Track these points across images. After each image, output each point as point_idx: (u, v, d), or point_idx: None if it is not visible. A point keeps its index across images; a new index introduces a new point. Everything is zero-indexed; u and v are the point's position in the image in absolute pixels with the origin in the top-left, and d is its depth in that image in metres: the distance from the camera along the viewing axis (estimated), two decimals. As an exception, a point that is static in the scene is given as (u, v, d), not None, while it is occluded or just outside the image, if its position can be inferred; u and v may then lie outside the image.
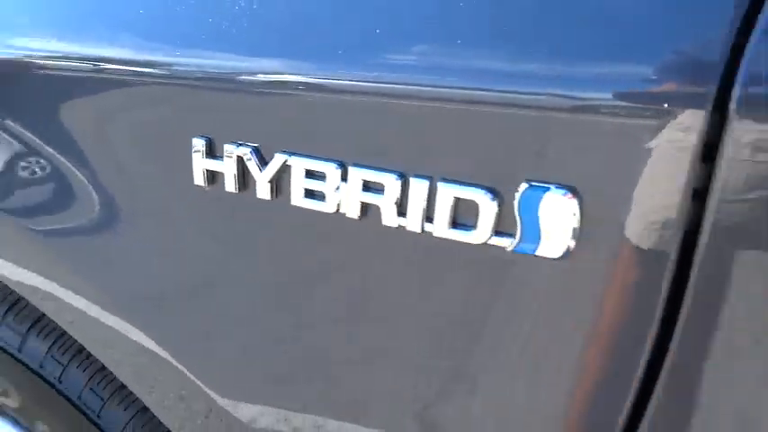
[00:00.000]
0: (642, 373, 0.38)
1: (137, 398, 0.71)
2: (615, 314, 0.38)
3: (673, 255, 0.35)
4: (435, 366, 0.46)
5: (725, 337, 0.35)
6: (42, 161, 0.59)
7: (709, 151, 0.32)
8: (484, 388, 0.44)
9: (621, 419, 0.40)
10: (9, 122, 0.59)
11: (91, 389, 0.75)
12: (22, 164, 0.61)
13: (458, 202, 0.39)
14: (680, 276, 0.35)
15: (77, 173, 0.56)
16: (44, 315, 0.77)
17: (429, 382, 0.47)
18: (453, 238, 0.40)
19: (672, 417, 0.38)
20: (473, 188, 0.38)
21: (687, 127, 0.32)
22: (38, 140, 0.58)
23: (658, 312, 0.36)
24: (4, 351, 0.78)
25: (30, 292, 0.69)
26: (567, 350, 0.40)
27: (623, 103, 0.33)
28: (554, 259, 0.37)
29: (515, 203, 0.37)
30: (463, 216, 0.39)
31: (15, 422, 0.81)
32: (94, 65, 0.51)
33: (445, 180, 0.39)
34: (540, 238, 0.37)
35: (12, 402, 0.80)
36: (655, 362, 0.38)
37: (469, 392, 0.45)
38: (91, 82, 0.52)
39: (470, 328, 0.43)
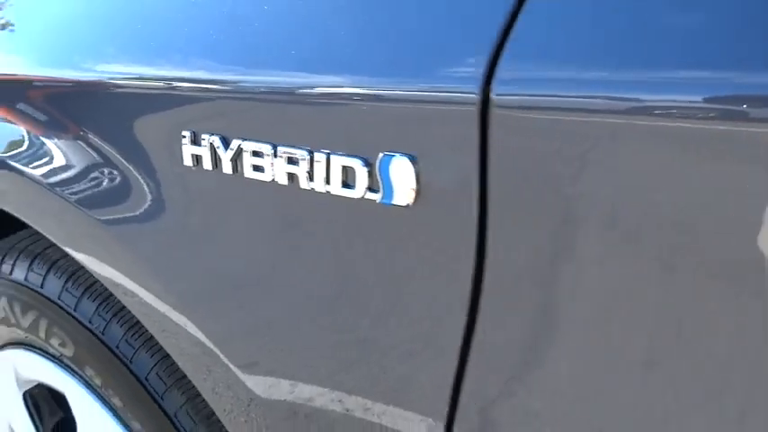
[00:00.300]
0: (464, 316, 0.53)
1: (161, 347, 0.89)
2: (440, 258, 0.53)
3: (473, 217, 0.50)
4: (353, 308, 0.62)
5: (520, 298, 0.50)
6: (114, 167, 0.79)
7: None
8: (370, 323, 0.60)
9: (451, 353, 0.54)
10: (89, 134, 0.80)
11: (126, 340, 0.94)
12: (98, 170, 0.81)
13: (344, 168, 0.55)
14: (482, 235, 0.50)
15: (140, 175, 0.75)
16: (94, 282, 0.97)
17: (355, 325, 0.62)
18: (344, 195, 0.56)
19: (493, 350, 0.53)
20: (352, 158, 0.55)
21: (465, 112, 0.47)
22: (111, 149, 0.78)
23: (470, 260, 0.51)
24: (64, 310, 0.99)
25: (112, 286, 0.85)
26: (411, 286, 0.55)
27: (423, 93, 0.49)
28: (403, 207, 0.53)
29: (377, 167, 0.53)
30: (349, 178, 0.56)
31: (69, 368, 1.02)
32: (166, 83, 0.69)
33: (335, 153, 0.56)
34: (393, 193, 0.53)
35: (68, 352, 1.00)
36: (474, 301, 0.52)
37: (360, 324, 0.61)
38: (160, 98, 0.70)
39: (359, 268, 0.59)
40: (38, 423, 1.24)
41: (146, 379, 0.92)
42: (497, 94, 0.46)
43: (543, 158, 0.46)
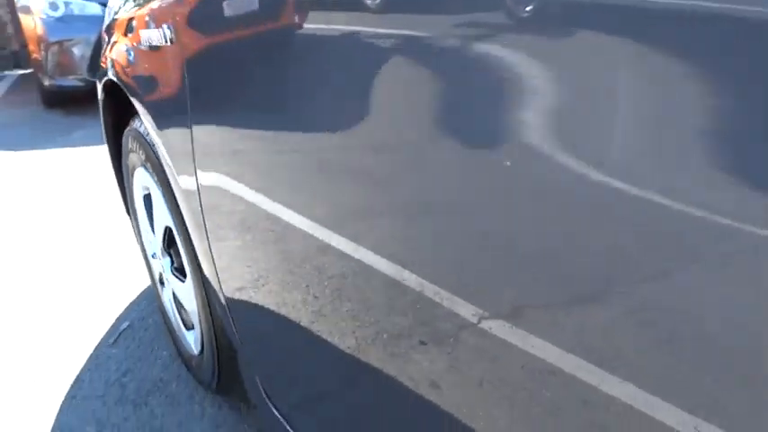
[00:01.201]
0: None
1: (170, 151, 1.94)
2: (180, 75, 1.46)
3: (182, 55, 1.42)
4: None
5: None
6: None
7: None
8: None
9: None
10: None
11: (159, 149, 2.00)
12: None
13: (162, 33, 1.52)
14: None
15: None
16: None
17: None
18: (161, 45, 1.53)
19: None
20: (157, 30, 1.51)
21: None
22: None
23: (185, 79, 1.44)
24: (146, 140, 2.10)
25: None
26: (177, 88, 1.49)
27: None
28: (170, 45, 1.48)
29: (165, 31, 1.49)
30: (157, 39, 1.52)
31: (147, 169, 2.13)
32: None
33: (158, 29, 1.53)
34: (168, 41, 1.49)
35: (144, 158, 2.11)
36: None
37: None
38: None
39: (164, 74, 1.55)
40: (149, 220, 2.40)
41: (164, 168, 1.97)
42: (173, -2, 1.39)
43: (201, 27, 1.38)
